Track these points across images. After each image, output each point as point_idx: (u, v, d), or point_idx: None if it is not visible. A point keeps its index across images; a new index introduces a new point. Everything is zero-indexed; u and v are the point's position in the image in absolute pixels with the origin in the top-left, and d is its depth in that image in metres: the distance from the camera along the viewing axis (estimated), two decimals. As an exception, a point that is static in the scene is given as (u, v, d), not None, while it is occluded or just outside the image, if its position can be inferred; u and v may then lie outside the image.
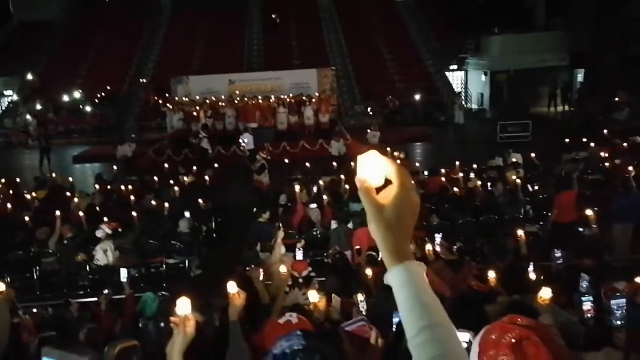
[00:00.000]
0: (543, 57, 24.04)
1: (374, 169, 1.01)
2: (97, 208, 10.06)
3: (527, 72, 24.11)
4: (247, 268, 4.62)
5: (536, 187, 10.10)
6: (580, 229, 6.99)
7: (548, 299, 3.08)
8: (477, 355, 1.27)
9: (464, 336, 1.95)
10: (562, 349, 1.30)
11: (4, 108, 26.02)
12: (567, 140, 13.81)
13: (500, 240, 5.96)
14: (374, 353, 2.00)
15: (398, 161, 1.10)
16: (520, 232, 5.81)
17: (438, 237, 6.35)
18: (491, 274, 4.22)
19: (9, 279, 7.66)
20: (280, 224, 8.20)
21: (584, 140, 13.31)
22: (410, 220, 1.01)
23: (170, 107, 19.53)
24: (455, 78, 27.58)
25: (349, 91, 25.00)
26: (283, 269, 4.18)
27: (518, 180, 9.77)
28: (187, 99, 20.20)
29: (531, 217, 9.14)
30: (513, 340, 1.27)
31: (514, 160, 12.02)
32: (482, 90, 26.21)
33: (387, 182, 1.01)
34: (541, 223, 8.66)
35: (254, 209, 9.09)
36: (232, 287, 2.77)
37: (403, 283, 0.99)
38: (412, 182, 1.02)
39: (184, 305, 1.77)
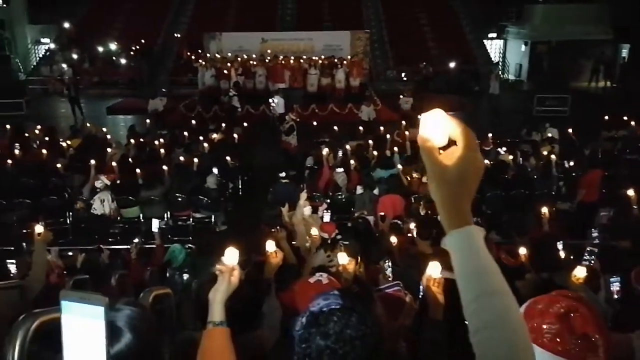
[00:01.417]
0: (587, 29, 23.07)
1: (438, 128, 0.97)
2: (130, 159, 10.25)
3: (570, 44, 23.23)
4: (273, 229, 4.65)
5: (571, 164, 9.87)
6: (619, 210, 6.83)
7: (582, 278, 3.03)
8: None
9: None
10: (606, 327, 1.28)
11: (40, 56, 26.33)
12: (606, 117, 13.40)
13: (520, 216, 5.86)
14: (406, 318, 2.01)
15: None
16: (544, 210, 5.69)
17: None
18: (522, 250, 4.17)
19: (43, 222, 7.90)
20: (305, 186, 8.23)
21: (624, 118, 12.88)
22: (473, 184, 0.97)
23: (202, 63, 19.50)
24: (494, 47, 26.77)
25: (382, 55, 24.53)
26: (315, 231, 4.19)
27: (552, 156, 9.55)
28: (219, 56, 20.14)
29: (563, 195, 8.97)
30: (562, 311, 1.25)
31: (549, 135, 11.74)
32: (521, 61, 25.41)
33: (450, 142, 0.98)
34: (574, 201, 8.50)
35: (282, 171, 9.14)
36: (270, 245, 2.81)
37: (462, 248, 0.97)
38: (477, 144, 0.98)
39: (231, 255, 1.79)
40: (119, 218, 8.75)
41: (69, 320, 1.00)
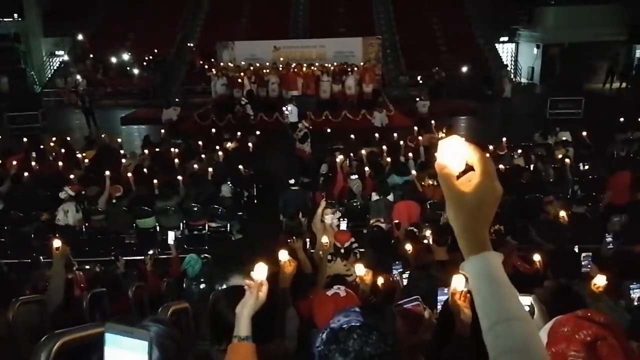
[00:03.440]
0: (600, 30, 22.89)
1: (456, 154, 0.97)
2: (145, 170, 10.32)
3: (583, 46, 23.05)
4: (289, 240, 4.66)
5: (586, 167, 9.76)
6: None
7: (603, 286, 2.99)
8: (545, 346, 1.24)
9: (525, 300, 1.90)
10: (634, 354, 1.25)
11: (55, 68, 26.71)
12: (621, 119, 13.25)
13: (550, 222, 5.79)
14: (425, 332, 2.00)
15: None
16: (562, 213, 5.62)
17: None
18: (537, 257, 4.12)
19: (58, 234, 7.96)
20: (323, 194, 8.22)
21: (640, 120, 12.74)
22: (491, 211, 0.98)
23: (215, 72, 19.61)
24: (506, 50, 26.63)
25: (394, 61, 24.51)
26: (325, 239, 4.19)
27: (567, 160, 9.46)
28: (231, 65, 20.25)
29: (579, 198, 8.87)
30: (588, 339, 1.22)
31: (563, 138, 11.62)
32: (533, 64, 25.28)
33: (467, 167, 0.99)
34: (589, 204, 8.39)
35: (297, 178, 9.16)
36: (283, 255, 2.81)
37: (481, 274, 0.97)
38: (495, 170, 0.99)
39: (260, 271, 1.80)
40: (85, 227, 8.71)
41: (113, 353, 1.00)
